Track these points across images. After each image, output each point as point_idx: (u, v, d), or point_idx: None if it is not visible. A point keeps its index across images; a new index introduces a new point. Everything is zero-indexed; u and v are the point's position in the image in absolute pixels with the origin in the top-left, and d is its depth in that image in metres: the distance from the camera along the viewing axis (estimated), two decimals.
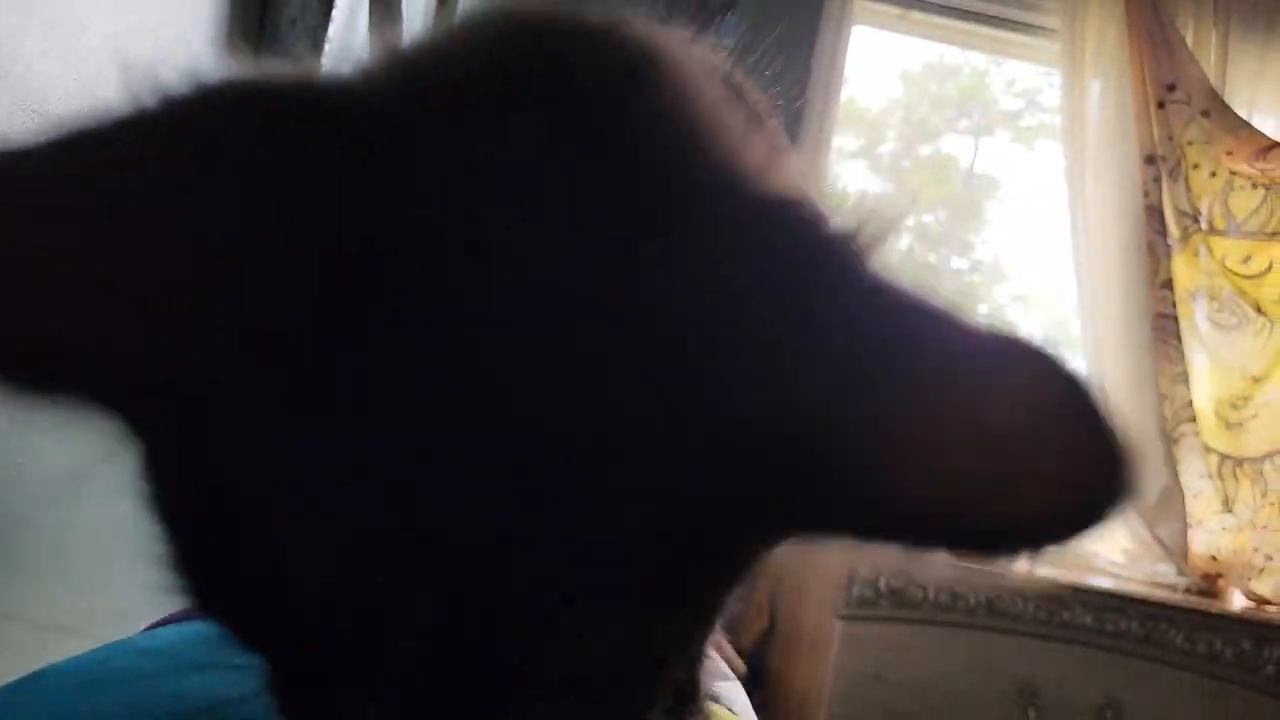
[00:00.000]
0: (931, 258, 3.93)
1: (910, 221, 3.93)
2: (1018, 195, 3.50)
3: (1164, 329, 1.90)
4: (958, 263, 3.87)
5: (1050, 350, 0.23)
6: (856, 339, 0.22)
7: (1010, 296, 3.93)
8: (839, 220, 0.24)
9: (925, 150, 3.83)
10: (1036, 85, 3.10)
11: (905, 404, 0.22)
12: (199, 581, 0.23)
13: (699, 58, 0.29)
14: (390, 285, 0.21)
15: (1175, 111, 1.96)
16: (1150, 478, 1.87)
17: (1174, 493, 1.85)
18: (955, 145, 3.81)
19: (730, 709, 0.98)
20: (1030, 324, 3.75)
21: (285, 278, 0.21)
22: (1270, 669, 1.64)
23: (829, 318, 0.22)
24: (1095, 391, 0.24)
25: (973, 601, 1.65)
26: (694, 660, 0.65)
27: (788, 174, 0.26)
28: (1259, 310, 1.94)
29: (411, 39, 0.27)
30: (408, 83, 0.25)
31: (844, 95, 3.80)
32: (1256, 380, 1.93)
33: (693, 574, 0.23)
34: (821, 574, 1.73)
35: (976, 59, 3.34)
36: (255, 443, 0.21)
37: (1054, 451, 0.23)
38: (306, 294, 0.21)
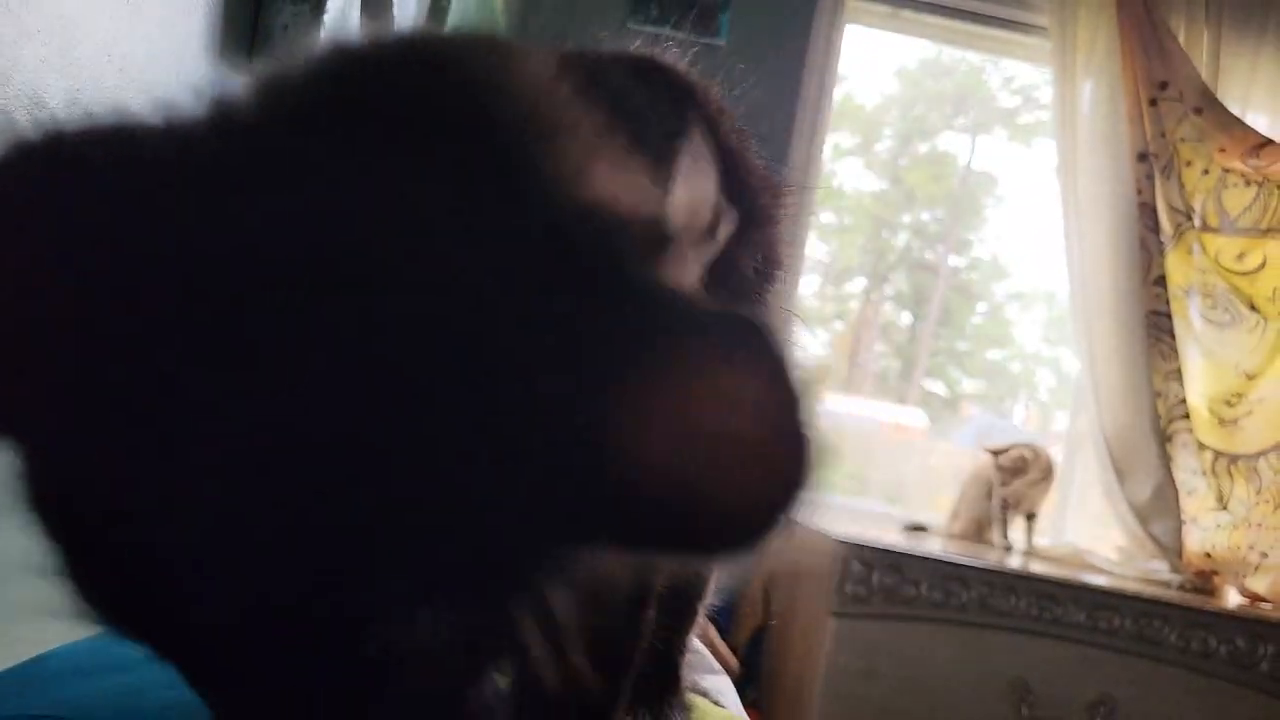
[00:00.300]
0: (929, 255, 3.93)
1: (907, 219, 3.93)
2: (1015, 192, 3.50)
3: (1157, 326, 1.90)
4: (955, 260, 3.87)
5: (764, 345, 0.24)
6: (592, 338, 0.23)
7: (1008, 294, 3.93)
8: (638, 231, 0.25)
9: (922, 148, 3.84)
10: (1033, 82, 3.10)
11: (624, 404, 0.23)
12: (84, 592, 0.25)
13: (545, 74, 0.31)
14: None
15: (1168, 109, 1.97)
16: (1144, 475, 1.87)
17: (1168, 490, 1.85)
18: (952, 142, 3.82)
19: (718, 702, 0.98)
20: (1027, 321, 3.75)
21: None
22: (1264, 666, 1.64)
23: (572, 321, 0.23)
24: (796, 385, 0.24)
25: (965, 598, 1.65)
26: (676, 653, 0.65)
27: (616, 184, 0.27)
28: (1253, 307, 1.94)
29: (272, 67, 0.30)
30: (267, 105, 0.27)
31: (840, 93, 3.81)
32: (1250, 377, 1.93)
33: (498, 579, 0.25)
34: (815, 572, 1.73)
35: (973, 56, 3.35)
36: (96, 472, 0.23)
37: (753, 453, 0.24)
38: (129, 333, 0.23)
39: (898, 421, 3.73)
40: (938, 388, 3.95)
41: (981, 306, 4.06)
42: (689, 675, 0.68)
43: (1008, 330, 3.97)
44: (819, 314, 3.76)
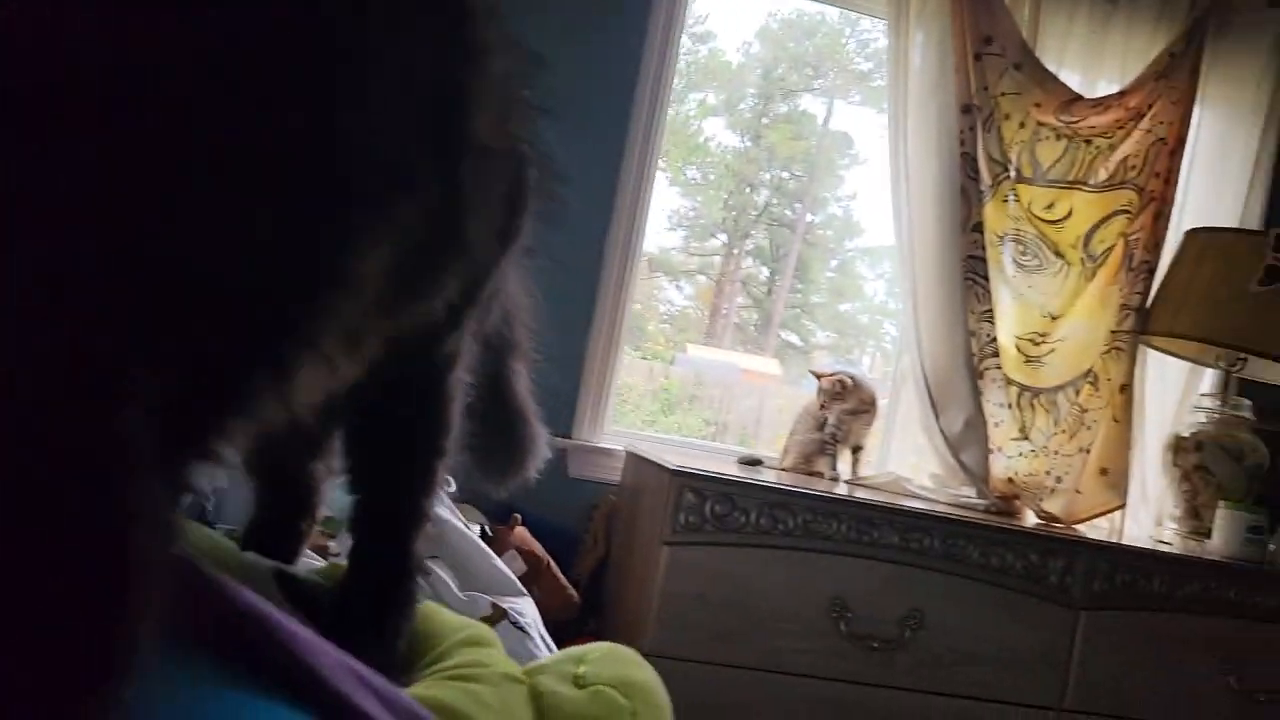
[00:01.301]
0: (788, 212, 4.04)
1: (768, 177, 4.01)
2: (867, 153, 3.64)
3: (974, 270, 2.03)
4: (812, 217, 3.99)
5: None
6: None
7: (859, 250, 4.09)
8: None
9: (783, 108, 3.92)
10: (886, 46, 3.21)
11: None
12: None
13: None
14: None
15: (991, 63, 2.07)
16: (957, 409, 2.00)
17: (978, 422, 1.99)
18: (811, 104, 3.91)
19: (517, 623, 1.00)
20: (875, 275, 3.92)
21: None
22: (1053, 578, 1.79)
23: None
24: None
25: (791, 524, 1.73)
26: (407, 540, 0.65)
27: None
28: (1058, 254, 2.09)
29: None
30: None
31: (708, 50, 3.83)
32: (1054, 318, 2.09)
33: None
34: (651, 504, 1.78)
35: (832, 14, 3.43)
36: None
37: None
38: None
39: (756, 369, 3.85)
40: (793, 338, 4.10)
41: (834, 262, 4.21)
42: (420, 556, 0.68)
43: (857, 284, 4.14)
44: (684, 267, 3.83)
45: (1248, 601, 1.85)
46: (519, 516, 1.83)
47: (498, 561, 0.95)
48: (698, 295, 4.00)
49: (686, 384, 3.50)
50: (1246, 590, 1.85)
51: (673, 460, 1.76)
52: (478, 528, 1.56)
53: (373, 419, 0.61)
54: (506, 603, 1.00)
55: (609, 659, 0.47)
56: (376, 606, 0.61)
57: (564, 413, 2.10)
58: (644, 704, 0.43)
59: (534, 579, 1.78)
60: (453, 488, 1.88)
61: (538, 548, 1.81)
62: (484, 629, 0.68)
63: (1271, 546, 1.92)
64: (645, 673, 0.45)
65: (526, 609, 1.02)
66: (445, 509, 0.90)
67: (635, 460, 2.00)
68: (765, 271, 4.11)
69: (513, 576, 1.14)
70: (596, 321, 2.11)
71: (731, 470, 1.85)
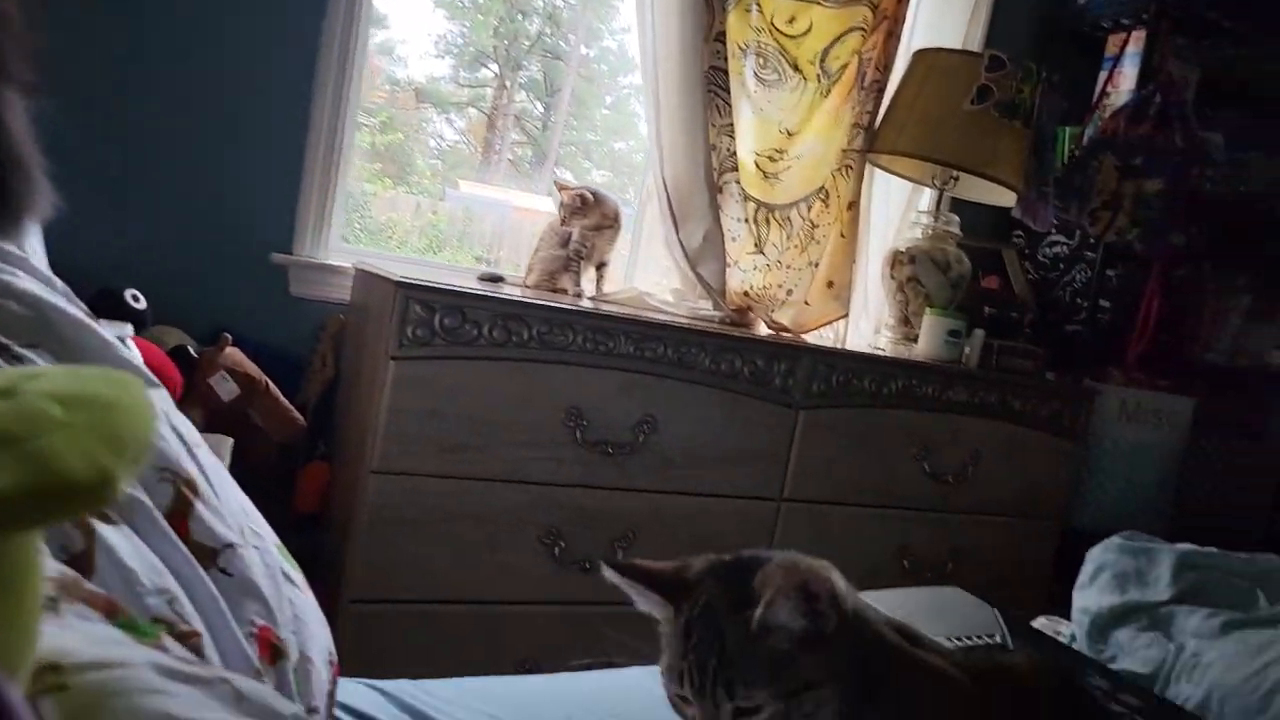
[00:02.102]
0: (562, 44, 3.86)
1: (540, 3, 3.80)
2: None
3: (715, 82, 2.01)
4: (586, 50, 3.84)
5: None
6: None
7: (635, 87, 4.00)
8: None
9: None
10: None
11: None
12: None
13: None
14: None
15: None
16: (697, 222, 2.02)
17: (716, 236, 2.03)
18: None
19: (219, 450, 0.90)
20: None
21: None
22: (777, 382, 1.90)
23: None
24: None
25: (526, 336, 1.71)
26: None
27: None
28: (797, 69, 2.11)
29: None
30: None
31: None
32: (790, 134, 2.13)
33: None
34: (378, 319, 1.69)
35: None
36: None
37: None
38: None
39: (529, 207, 3.75)
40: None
41: (609, 99, 4.12)
42: None
43: (632, 122, 4.08)
44: (454, 99, 3.60)
45: (941, 396, 2.05)
46: (228, 337, 1.69)
47: (124, 354, 0.84)
48: (469, 130, 3.81)
49: (456, 221, 3.36)
50: (941, 387, 2.04)
51: (399, 273, 1.67)
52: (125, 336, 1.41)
53: None
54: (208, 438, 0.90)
55: (77, 374, 0.39)
56: None
57: (283, 227, 1.94)
58: (90, 420, 0.35)
59: (250, 401, 1.66)
60: (143, 304, 1.70)
61: (253, 369, 1.69)
62: None
63: (966, 349, 2.12)
64: (123, 395, 0.37)
65: (225, 445, 0.92)
66: (50, 292, 0.77)
67: (364, 277, 1.89)
68: (539, 107, 3.96)
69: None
70: (314, 125, 1.93)
71: (468, 284, 1.79)
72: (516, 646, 1.73)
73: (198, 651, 0.57)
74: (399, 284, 1.61)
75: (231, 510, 0.74)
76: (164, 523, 0.65)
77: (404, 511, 1.64)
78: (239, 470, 1.71)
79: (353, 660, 1.06)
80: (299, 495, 1.82)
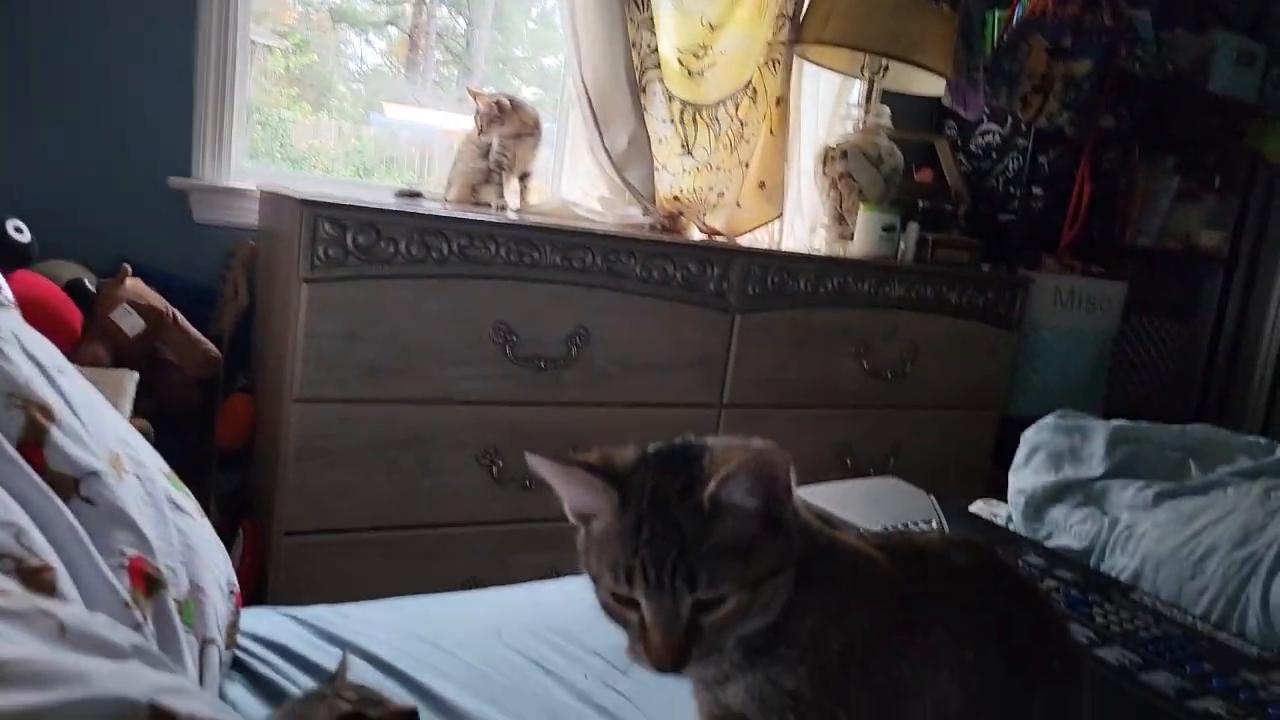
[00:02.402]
0: None
1: None
2: None
3: None
4: None
5: None
6: None
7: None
8: None
9: None
10: None
11: None
12: None
13: None
14: None
15: None
16: (621, 125, 1.94)
17: (641, 139, 1.95)
18: None
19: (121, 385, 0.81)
20: None
21: None
22: (711, 286, 1.85)
23: None
24: None
25: (446, 251, 1.63)
26: None
27: None
28: None
29: None
30: None
31: None
32: (714, 28, 2.04)
33: None
34: (288, 242, 1.60)
35: None
36: None
37: None
38: None
39: (458, 129, 3.60)
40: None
41: (535, 11, 3.94)
42: None
43: (559, 36, 3.92)
44: (371, 19, 3.41)
45: (878, 293, 2.03)
46: (128, 268, 1.59)
47: None
48: (391, 51, 3.62)
49: (383, 146, 3.21)
50: (877, 283, 2.02)
51: (307, 191, 1.58)
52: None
53: None
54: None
55: None
56: None
57: (179, 149, 1.81)
58: None
59: (157, 334, 1.57)
60: (26, 236, 1.59)
61: (157, 300, 1.59)
62: None
63: (901, 244, 2.10)
64: None
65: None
66: None
67: (271, 199, 1.78)
68: (462, 23, 3.78)
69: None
70: (202, 30, 1.79)
71: (379, 201, 1.70)
72: (461, 569, 1.70)
73: (50, 586, 0.52)
74: (305, 203, 1.52)
75: (101, 437, 0.68)
76: (12, 451, 0.59)
77: (332, 440, 1.58)
78: (155, 408, 1.63)
79: (290, 593, 1.01)
80: (221, 431, 1.75)
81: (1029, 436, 1.46)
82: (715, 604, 0.54)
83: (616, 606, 0.56)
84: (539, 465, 0.57)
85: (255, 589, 1.64)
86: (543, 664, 0.87)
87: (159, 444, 0.83)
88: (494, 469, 1.71)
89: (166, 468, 0.79)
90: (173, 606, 0.62)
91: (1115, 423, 1.45)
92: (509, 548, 1.73)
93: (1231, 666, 0.95)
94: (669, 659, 0.54)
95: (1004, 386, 2.29)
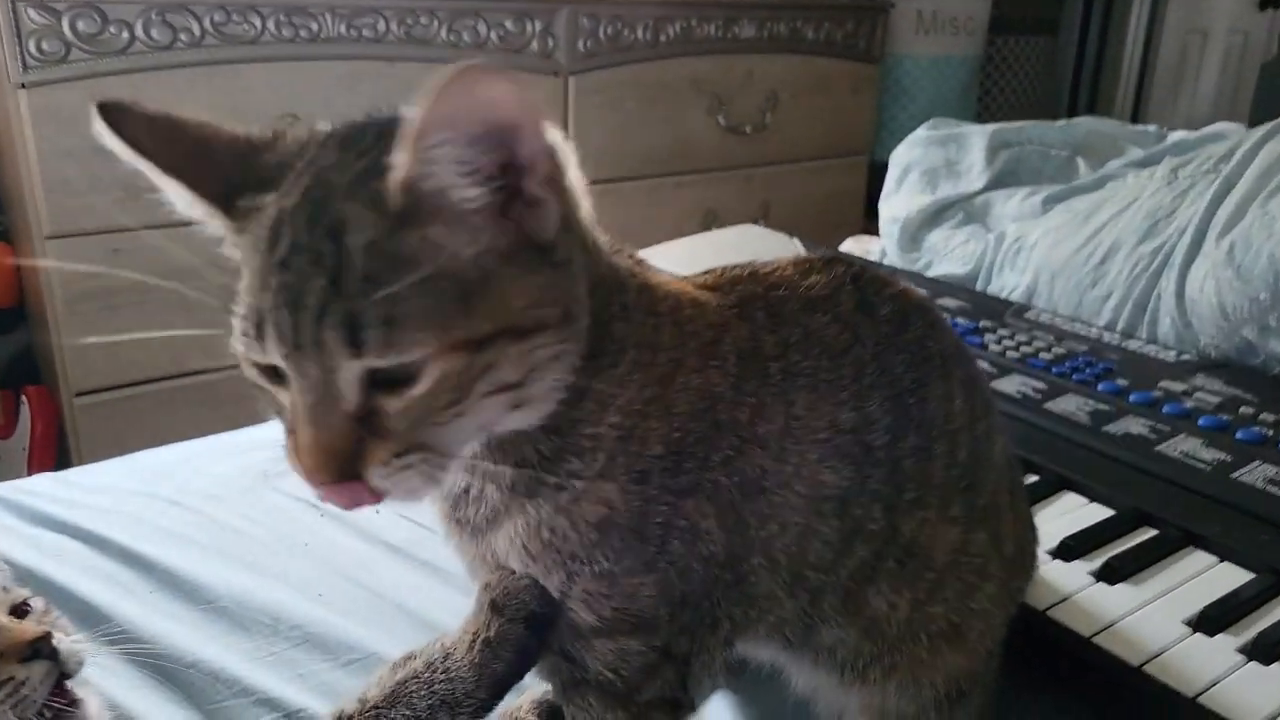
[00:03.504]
0: None
1: None
2: None
3: None
4: None
5: None
6: None
7: None
8: None
9: None
10: None
11: None
12: None
13: None
14: None
15: None
16: None
17: None
18: None
19: None
20: None
21: None
22: (534, 45, 1.60)
23: None
24: None
25: (198, 31, 1.33)
26: None
27: None
28: None
29: None
30: None
31: None
32: None
33: None
34: None
35: None
36: None
37: None
38: None
39: None
40: None
41: None
42: None
43: None
44: None
45: (727, 35, 1.81)
46: None
47: None
48: None
49: None
50: (725, 24, 1.80)
51: None
52: None
53: None
54: None
55: None
56: None
57: None
58: None
59: None
60: None
61: None
62: None
63: None
64: None
65: None
66: None
67: None
68: None
69: None
70: None
71: None
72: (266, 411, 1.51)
73: None
74: None
75: None
76: None
77: (104, 279, 1.32)
78: None
79: (95, 458, 0.84)
80: None
81: (899, 155, 1.31)
82: (406, 377, 0.33)
83: (263, 386, 0.36)
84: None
85: (56, 463, 1.43)
86: (319, 503, 0.70)
87: None
88: None
89: None
90: None
91: (993, 126, 1.31)
92: None
93: (1148, 378, 0.84)
94: (322, 463, 0.33)
95: (871, 129, 2.14)
